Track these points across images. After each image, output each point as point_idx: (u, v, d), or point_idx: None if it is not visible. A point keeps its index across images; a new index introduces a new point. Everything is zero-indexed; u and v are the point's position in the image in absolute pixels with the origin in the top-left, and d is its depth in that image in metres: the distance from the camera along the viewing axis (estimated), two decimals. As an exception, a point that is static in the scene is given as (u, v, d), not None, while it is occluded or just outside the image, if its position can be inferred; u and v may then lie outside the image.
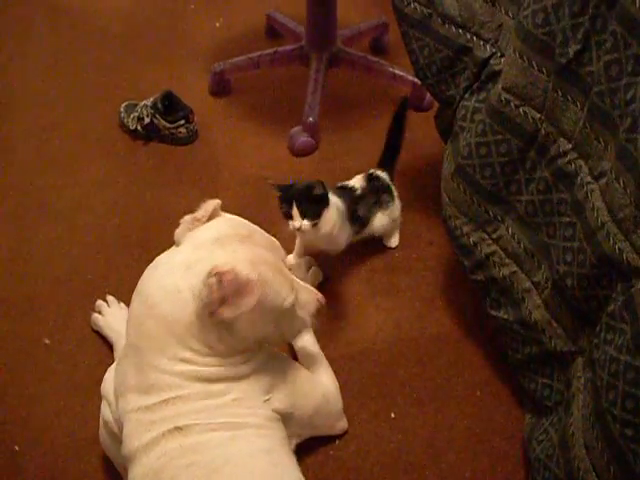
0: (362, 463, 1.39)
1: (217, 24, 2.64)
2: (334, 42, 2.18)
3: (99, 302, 1.63)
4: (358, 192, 1.69)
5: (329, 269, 1.70)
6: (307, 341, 1.48)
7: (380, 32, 2.42)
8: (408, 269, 1.73)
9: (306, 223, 1.47)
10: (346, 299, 1.66)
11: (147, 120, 2.06)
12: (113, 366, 1.29)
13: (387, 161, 1.83)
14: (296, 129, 2.03)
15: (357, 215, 1.66)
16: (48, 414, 1.48)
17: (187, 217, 1.20)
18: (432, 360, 1.55)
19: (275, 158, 2.05)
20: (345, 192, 1.67)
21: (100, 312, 1.62)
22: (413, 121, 2.13)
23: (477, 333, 1.60)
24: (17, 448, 1.43)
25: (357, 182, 1.72)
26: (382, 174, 1.78)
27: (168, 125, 2.04)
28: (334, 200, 1.56)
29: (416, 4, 1.51)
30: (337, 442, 1.41)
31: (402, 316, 1.63)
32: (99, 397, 1.45)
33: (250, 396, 1.16)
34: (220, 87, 2.27)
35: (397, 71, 2.17)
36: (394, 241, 1.81)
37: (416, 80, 2.10)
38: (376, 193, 1.72)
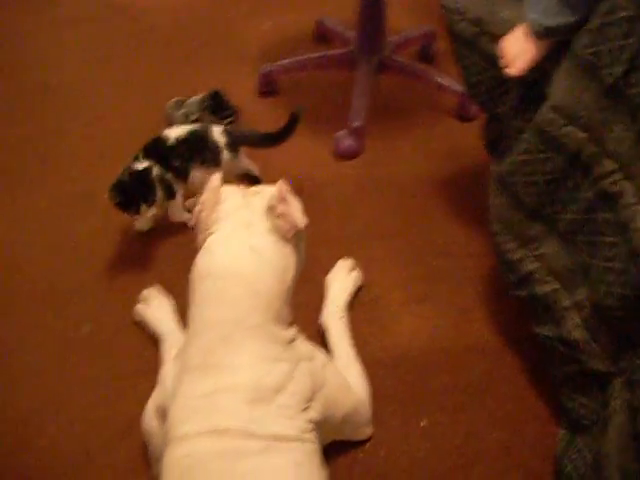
0: (390, 469, 1.39)
1: (266, 26, 2.67)
2: (383, 48, 2.20)
3: (145, 292, 1.65)
4: (169, 143, 1.81)
5: (368, 273, 1.71)
6: (343, 342, 1.51)
7: (428, 40, 2.43)
8: (446, 278, 1.73)
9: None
10: (383, 305, 1.67)
11: (194, 117, 2.09)
12: (169, 357, 1.34)
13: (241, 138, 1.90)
14: (341, 133, 2.05)
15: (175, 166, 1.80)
16: (84, 402, 1.51)
17: (203, 206, 1.24)
18: (466, 370, 1.55)
19: (319, 160, 2.07)
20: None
21: (145, 302, 1.64)
22: (458, 131, 2.15)
23: (512, 346, 1.59)
24: (53, 433, 1.46)
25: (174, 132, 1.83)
26: (216, 132, 1.84)
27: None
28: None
29: (466, 22, 1.52)
30: (367, 445, 1.41)
31: (438, 325, 1.63)
32: (134, 388, 1.50)
33: (291, 404, 1.15)
34: (268, 88, 2.30)
35: (443, 80, 2.18)
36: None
37: (463, 90, 2.10)
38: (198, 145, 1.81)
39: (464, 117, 2.17)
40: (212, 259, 1.22)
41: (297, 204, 1.27)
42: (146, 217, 1.81)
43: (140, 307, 1.63)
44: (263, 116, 2.23)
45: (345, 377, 1.39)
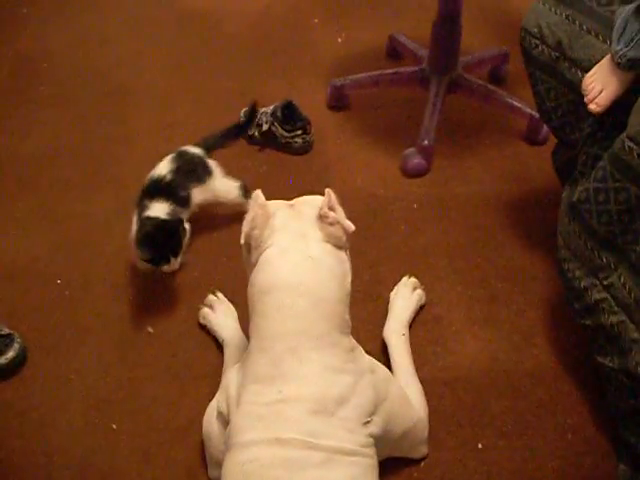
0: (445, 490, 1.39)
1: (339, 39, 2.69)
2: (455, 68, 2.19)
3: (210, 297, 1.68)
4: (168, 178, 1.78)
5: (431, 292, 1.71)
6: (404, 359, 1.52)
7: (500, 62, 2.42)
8: (509, 302, 1.72)
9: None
10: (444, 324, 1.67)
11: (265, 127, 2.12)
12: (232, 363, 1.36)
13: (212, 144, 1.93)
14: (410, 150, 2.05)
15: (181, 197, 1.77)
16: (145, 399, 1.55)
17: (254, 223, 1.25)
18: (525, 396, 1.54)
19: (386, 176, 2.07)
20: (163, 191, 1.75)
21: (211, 307, 1.66)
22: (527, 154, 2.14)
23: (573, 375, 1.57)
24: (114, 427, 1.50)
25: (164, 168, 1.80)
26: (194, 149, 1.88)
27: (285, 134, 2.09)
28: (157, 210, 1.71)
29: (544, 47, 1.51)
30: (422, 465, 1.41)
31: (499, 348, 1.63)
32: (195, 390, 1.54)
33: (353, 417, 1.16)
34: (338, 102, 2.31)
35: (515, 102, 2.16)
36: None
37: (533, 113, 2.10)
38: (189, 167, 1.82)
39: (534, 140, 2.15)
40: (274, 273, 1.23)
41: (342, 211, 1.29)
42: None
43: (206, 311, 1.66)
44: (331, 130, 2.25)
45: (406, 393, 1.39)
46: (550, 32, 1.49)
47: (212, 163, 1.87)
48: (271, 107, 2.15)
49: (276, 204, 1.31)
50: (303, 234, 1.25)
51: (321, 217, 1.26)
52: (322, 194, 1.99)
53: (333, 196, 1.27)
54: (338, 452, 1.11)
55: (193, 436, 1.45)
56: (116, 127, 2.33)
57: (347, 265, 1.29)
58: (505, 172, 2.08)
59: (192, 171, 1.81)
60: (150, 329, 1.68)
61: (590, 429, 1.48)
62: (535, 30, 1.52)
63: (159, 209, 1.70)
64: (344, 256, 1.29)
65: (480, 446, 1.45)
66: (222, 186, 1.86)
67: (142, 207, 1.71)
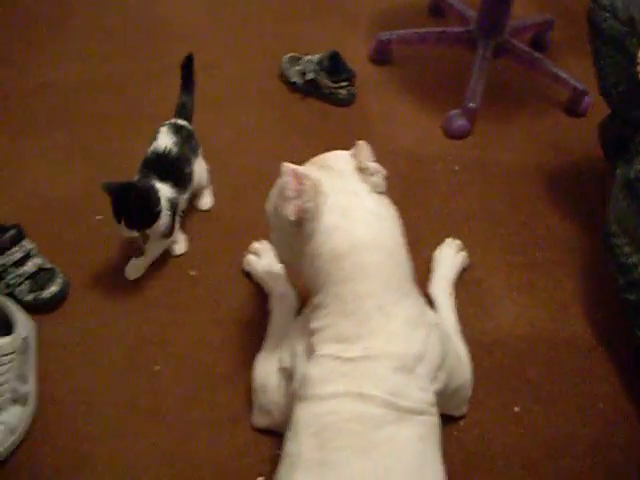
0: (482, 449, 1.42)
1: (382, -9, 2.67)
2: (503, 31, 2.18)
3: (256, 244, 1.67)
4: (174, 152, 1.67)
5: (472, 256, 1.72)
6: (452, 317, 1.54)
7: (544, 29, 2.41)
8: (547, 271, 1.74)
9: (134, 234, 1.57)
10: (485, 288, 1.69)
11: (310, 76, 2.10)
12: (282, 313, 1.38)
13: (186, 113, 1.80)
14: (455, 112, 2.05)
15: (185, 174, 1.68)
16: (188, 342, 1.56)
17: (304, 195, 1.19)
18: (561, 363, 1.57)
19: (427, 135, 2.07)
20: (163, 162, 1.65)
21: (256, 254, 1.66)
22: (567, 126, 2.14)
23: (608, 346, 1.60)
24: (157, 368, 1.51)
25: (166, 140, 1.68)
26: (184, 122, 1.76)
27: (330, 84, 2.08)
28: (163, 192, 1.59)
29: (614, 21, 1.50)
30: (461, 424, 1.44)
31: (536, 315, 1.65)
32: (239, 336, 1.56)
33: (426, 374, 1.17)
34: (382, 56, 2.30)
35: (560, 72, 2.16)
36: (207, 202, 1.83)
37: (577, 85, 2.10)
38: (188, 141, 1.72)
39: (574, 112, 2.15)
40: (345, 236, 1.19)
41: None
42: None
43: (251, 258, 1.65)
44: (374, 84, 2.24)
45: (457, 350, 1.42)
46: (623, 6, 1.48)
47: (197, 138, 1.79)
48: (316, 56, 2.13)
49: (311, 170, 1.25)
50: (354, 191, 1.23)
51: (361, 170, 1.25)
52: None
53: (367, 147, 1.27)
54: (411, 412, 1.13)
55: (238, 383, 1.46)
56: (153, 63, 2.31)
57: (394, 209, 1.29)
58: (545, 142, 2.09)
59: (191, 145, 1.73)
60: (193, 272, 1.68)
61: (623, 401, 1.51)
62: (607, 3, 1.51)
63: (168, 191, 1.62)
64: (389, 201, 1.28)
65: (517, 409, 1.47)
66: (200, 166, 1.77)
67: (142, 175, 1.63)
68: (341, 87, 2.08)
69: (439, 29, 2.26)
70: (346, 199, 1.21)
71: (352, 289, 1.18)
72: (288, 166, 1.20)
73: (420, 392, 1.15)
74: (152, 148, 1.67)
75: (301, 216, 1.19)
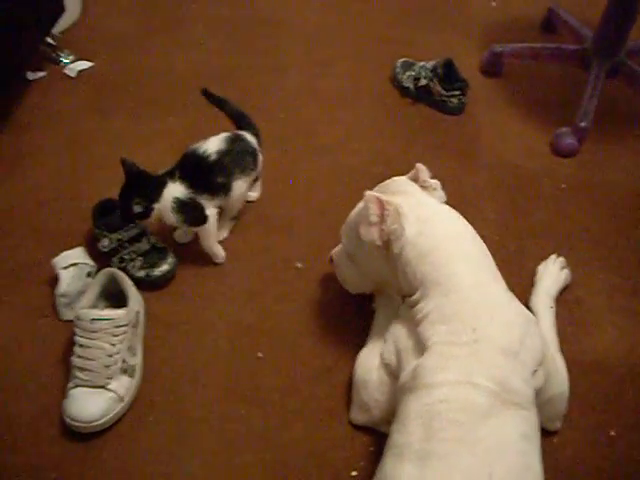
0: (574, 470, 1.40)
1: (493, 3, 2.68)
2: (619, 52, 2.15)
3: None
4: (212, 158, 1.63)
5: (574, 274, 1.71)
6: (551, 331, 1.54)
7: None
8: (650, 297, 1.72)
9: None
10: (585, 308, 1.67)
11: (423, 82, 2.12)
12: (398, 320, 1.38)
13: (245, 124, 1.77)
14: (564, 129, 2.04)
15: (216, 183, 1.64)
16: (291, 333, 1.59)
17: (387, 219, 1.33)
18: (660, 393, 1.55)
19: (534, 150, 2.07)
20: (194, 163, 1.63)
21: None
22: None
23: None
24: (260, 355, 1.55)
25: (212, 145, 1.65)
26: (250, 137, 1.73)
27: (443, 92, 2.10)
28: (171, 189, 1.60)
29: None
30: (554, 440, 1.44)
31: (638, 341, 1.63)
32: (342, 330, 1.59)
33: (528, 361, 1.20)
34: (493, 68, 2.30)
35: (676, 97, 2.12)
36: (222, 231, 1.78)
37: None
38: (238, 155, 1.67)
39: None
40: (427, 239, 1.31)
41: None
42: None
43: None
44: (484, 95, 2.24)
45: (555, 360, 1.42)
46: None
47: (260, 159, 1.75)
48: (431, 62, 2.15)
49: (389, 196, 1.37)
50: (427, 204, 1.38)
51: (425, 187, 1.42)
52: (472, 157, 2.03)
53: (425, 169, 1.44)
54: (516, 405, 1.14)
55: (337, 376, 1.50)
56: (266, 57, 2.36)
57: None
58: (655, 167, 2.06)
59: (240, 160, 1.68)
60: (299, 264, 1.72)
61: None
62: None
63: (178, 190, 1.60)
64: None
65: (612, 433, 1.46)
66: (240, 190, 1.70)
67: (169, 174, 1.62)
68: (453, 95, 2.09)
69: (553, 45, 2.24)
70: (423, 212, 1.35)
71: (446, 272, 1.28)
72: (371, 194, 1.34)
73: (523, 384, 1.17)
74: (195, 145, 1.66)
75: (387, 238, 1.33)
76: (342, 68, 2.30)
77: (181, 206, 1.60)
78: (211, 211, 1.64)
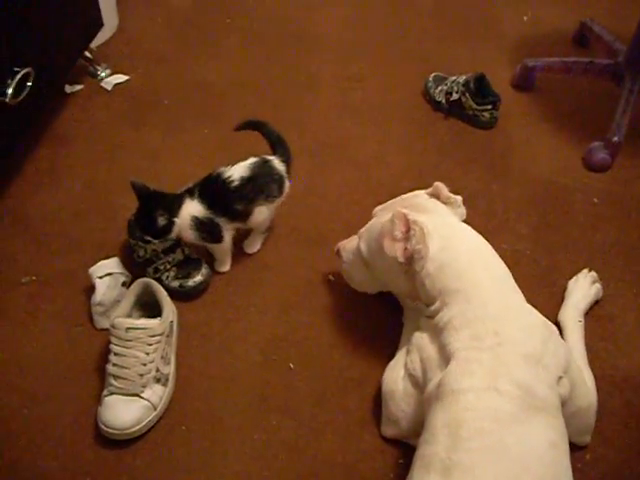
0: (608, 488, 1.41)
1: (525, 18, 2.68)
2: (653, 67, 2.15)
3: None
4: (234, 185, 1.62)
5: (606, 289, 1.70)
6: (579, 345, 1.55)
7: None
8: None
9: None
10: (617, 324, 1.66)
11: (455, 96, 2.13)
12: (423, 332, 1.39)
13: (278, 148, 1.72)
14: (597, 144, 2.03)
15: (234, 209, 1.64)
16: (322, 344, 1.61)
17: (411, 239, 1.36)
18: (695, 412, 1.54)
19: (566, 165, 2.06)
20: (215, 185, 1.63)
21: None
22: None
23: None
24: (292, 366, 1.56)
25: (237, 171, 1.63)
26: (279, 164, 1.69)
27: (475, 106, 2.10)
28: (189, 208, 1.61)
29: None
30: (587, 457, 1.43)
31: (670, 359, 1.62)
32: (372, 342, 1.60)
33: (552, 366, 1.21)
34: (525, 82, 2.30)
35: None
36: (252, 246, 1.80)
37: None
38: (262, 182, 1.65)
39: None
40: (449, 253, 1.35)
41: None
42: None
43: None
44: (515, 109, 2.25)
45: (583, 373, 1.42)
46: None
47: (287, 186, 1.72)
48: (462, 77, 2.15)
49: (415, 214, 1.40)
50: (450, 224, 1.43)
51: (448, 204, 1.47)
52: (504, 171, 2.03)
53: (444, 186, 1.49)
54: (542, 411, 1.15)
55: (367, 389, 1.51)
56: (298, 71, 2.39)
57: None
58: (688, 185, 2.04)
59: (265, 187, 1.66)
60: (331, 277, 1.73)
61: None
62: None
63: (197, 209, 1.62)
64: None
65: (646, 451, 1.46)
66: (262, 214, 1.70)
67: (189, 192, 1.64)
68: (485, 110, 2.10)
69: (586, 59, 2.24)
70: (446, 230, 1.39)
71: (468, 279, 1.33)
72: (400, 211, 1.38)
73: (548, 390, 1.18)
74: (222, 169, 1.65)
75: (410, 256, 1.36)
76: (374, 82, 2.32)
77: (199, 224, 1.62)
78: (228, 232, 1.68)
